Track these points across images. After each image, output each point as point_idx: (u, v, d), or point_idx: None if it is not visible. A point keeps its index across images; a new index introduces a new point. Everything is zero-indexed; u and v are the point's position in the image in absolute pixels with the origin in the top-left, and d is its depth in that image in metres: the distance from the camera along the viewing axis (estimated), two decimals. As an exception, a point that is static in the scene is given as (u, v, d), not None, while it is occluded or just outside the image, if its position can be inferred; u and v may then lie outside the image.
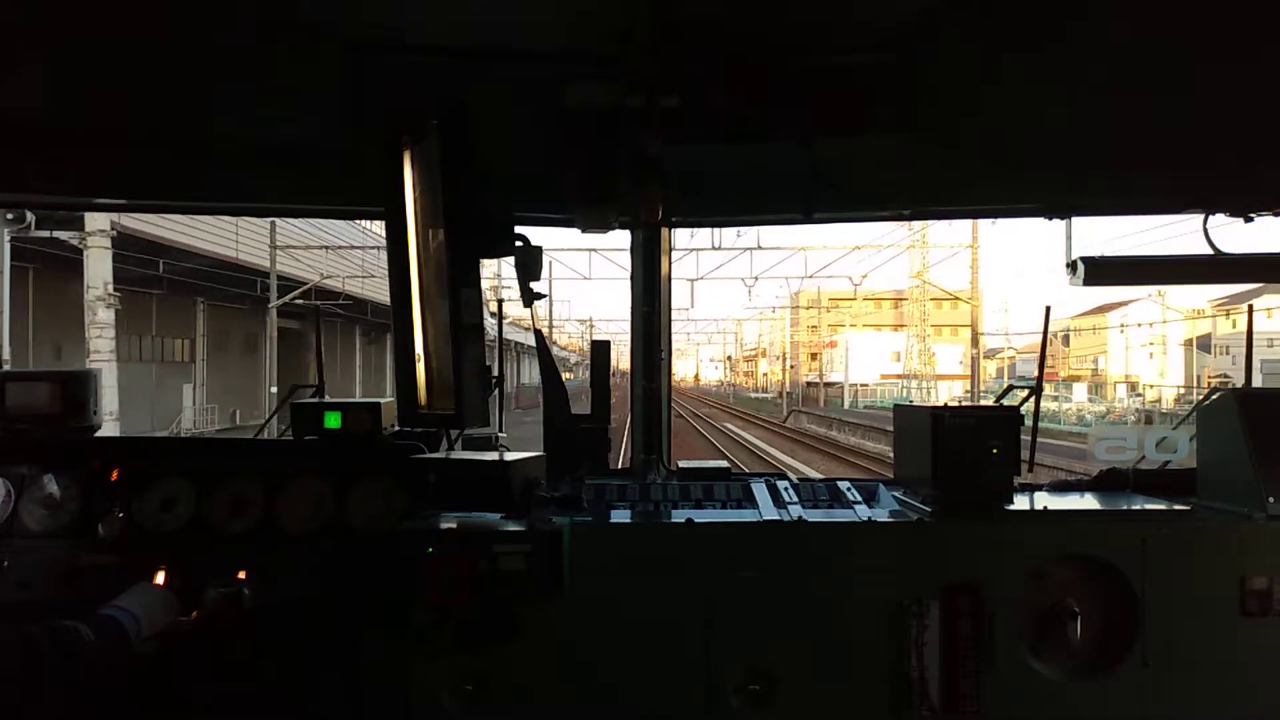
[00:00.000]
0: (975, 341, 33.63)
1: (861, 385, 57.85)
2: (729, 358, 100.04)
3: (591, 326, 53.68)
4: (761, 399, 74.64)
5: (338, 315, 32.50)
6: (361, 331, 39.32)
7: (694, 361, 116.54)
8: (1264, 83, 2.45)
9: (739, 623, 2.48)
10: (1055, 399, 43.70)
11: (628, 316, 3.32)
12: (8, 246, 13.32)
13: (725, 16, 2.20)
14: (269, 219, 23.52)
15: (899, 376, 55.57)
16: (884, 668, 2.48)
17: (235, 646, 2.47)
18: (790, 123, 2.45)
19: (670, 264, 3.37)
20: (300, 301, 27.44)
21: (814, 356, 69.34)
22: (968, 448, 2.55)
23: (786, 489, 2.95)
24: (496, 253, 2.74)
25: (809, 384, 66.74)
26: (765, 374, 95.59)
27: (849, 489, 2.95)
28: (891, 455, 3.22)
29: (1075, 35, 2.24)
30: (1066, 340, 71.10)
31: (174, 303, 29.08)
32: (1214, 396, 2.80)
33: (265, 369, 28.78)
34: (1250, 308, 3.33)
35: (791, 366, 69.17)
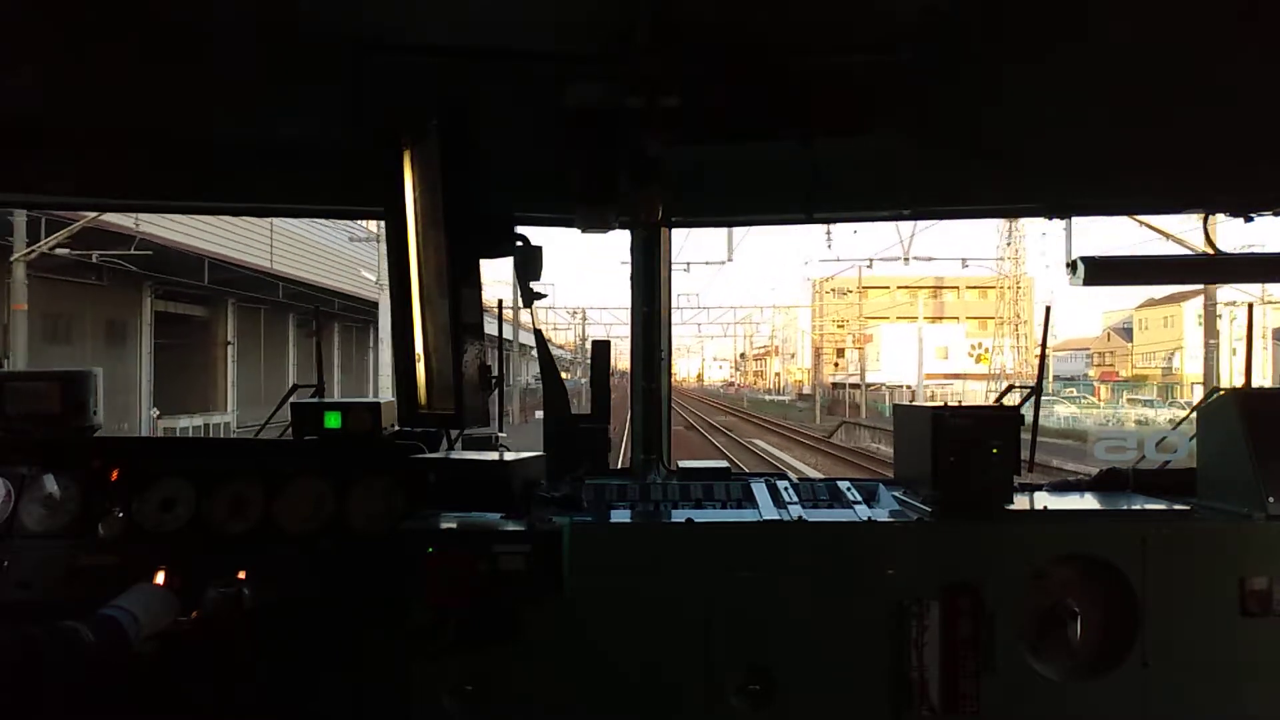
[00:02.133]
0: (1211, 327, 21.85)
1: (904, 386, 47.16)
2: (742, 355, 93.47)
3: (585, 319, 49.59)
4: (779, 402, 66.95)
5: (258, 301, 26.44)
6: (296, 321, 30.84)
7: (699, 359, 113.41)
8: (1263, 83, 2.45)
9: (739, 623, 2.48)
10: (1150, 404, 36.95)
11: (623, 306, 3.31)
12: None
13: (725, 16, 2.20)
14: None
15: (949, 376, 48.63)
16: (884, 668, 2.48)
17: (235, 646, 2.47)
18: (790, 123, 2.45)
19: (670, 264, 3.37)
20: (186, 280, 20.57)
21: (840, 353, 61.13)
22: (968, 448, 2.55)
23: (786, 489, 2.95)
24: (496, 253, 2.74)
25: (836, 385, 57.27)
26: (778, 374, 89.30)
27: (849, 489, 2.95)
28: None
29: (1075, 35, 2.24)
30: (1129, 334, 63.10)
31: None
32: (1214, 396, 2.80)
33: (139, 375, 21.89)
34: (1250, 307, 3.33)
35: (834, 364, 61.59)
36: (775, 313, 71.86)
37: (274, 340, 29.89)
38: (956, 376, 48.21)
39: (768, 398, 75.26)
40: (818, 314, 65.23)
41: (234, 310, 27.06)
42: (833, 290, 60.77)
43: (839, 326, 61.29)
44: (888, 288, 56.23)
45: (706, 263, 33.45)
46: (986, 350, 42.84)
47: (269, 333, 29.47)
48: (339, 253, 26.45)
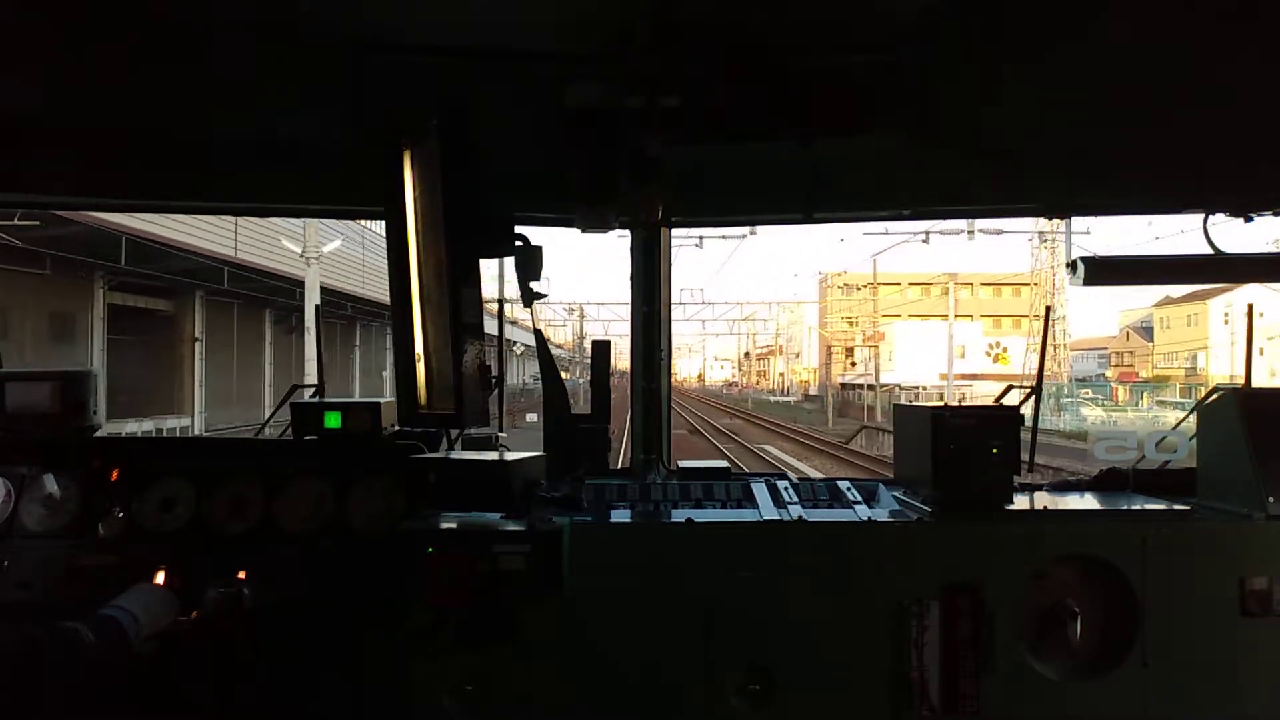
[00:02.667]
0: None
1: (921, 388, 42.46)
2: (746, 354, 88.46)
3: (582, 315, 48.08)
4: (785, 404, 62.95)
5: (232, 295, 23.76)
6: (273, 317, 27.98)
7: (700, 359, 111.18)
8: (1263, 83, 2.45)
9: (739, 623, 2.48)
10: (1181, 406, 32.84)
11: (621, 301, 3.32)
12: None
13: (725, 16, 2.21)
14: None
15: (966, 377, 44.03)
16: (884, 668, 2.48)
17: (235, 646, 2.47)
18: (790, 123, 2.45)
19: (670, 264, 3.37)
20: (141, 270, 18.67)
21: (849, 353, 56.85)
22: (968, 448, 2.55)
23: (786, 489, 2.95)
24: (496, 253, 2.74)
25: (845, 386, 52.95)
26: (782, 374, 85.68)
27: (849, 489, 2.95)
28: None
29: (1075, 35, 2.24)
30: (1150, 333, 59.35)
31: None
32: (1214, 396, 2.80)
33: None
34: (1250, 307, 3.33)
35: (851, 364, 56.24)
36: (780, 310, 67.93)
37: (248, 337, 27.10)
38: (975, 377, 43.91)
39: (772, 399, 72.42)
40: (830, 309, 60.41)
41: (203, 304, 24.15)
42: (844, 285, 56.94)
43: (849, 324, 57.16)
44: (899, 284, 52.46)
45: (724, 236, 30.96)
46: (1005, 350, 39.31)
47: (243, 329, 26.67)
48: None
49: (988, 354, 51.45)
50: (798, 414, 49.83)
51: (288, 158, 2.89)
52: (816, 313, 66.05)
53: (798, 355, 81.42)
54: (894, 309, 52.66)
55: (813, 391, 63.46)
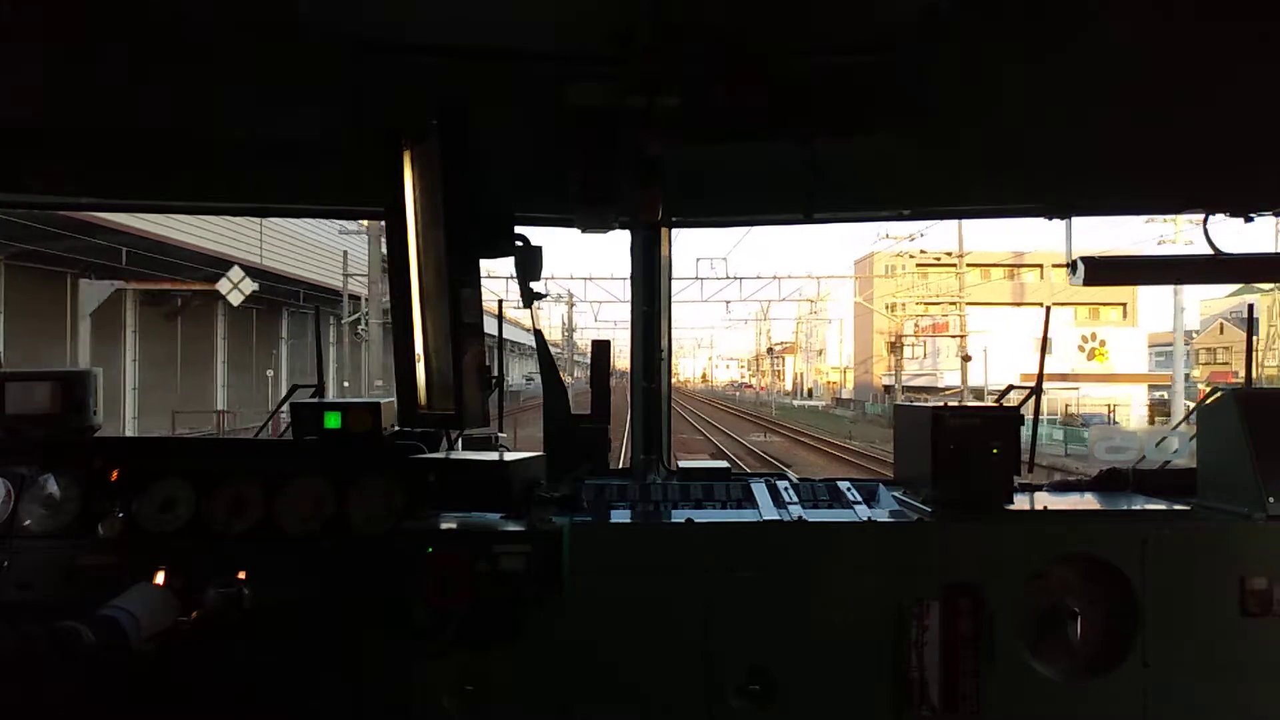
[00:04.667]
0: None
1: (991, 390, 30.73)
2: (769, 350, 77.87)
3: (572, 304, 45.00)
4: (814, 409, 55.37)
5: (67, 262, 17.36)
6: (140, 296, 21.02)
7: (706, 358, 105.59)
8: (1263, 83, 2.45)
9: (739, 623, 2.48)
10: None
11: (615, 277, 3.30)
12: None
13: (725, 16, 2.20)
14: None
15: (1059, 377, 33.77)
16: (884, 668, 2.48)
17: (235, 646, 2.47)
18: (790, 123, 2.45)
19: (671, 264, 3.38)
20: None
21: (893, 349, 45.61)
22: (968, 448, 2.55)
23: (786, 489, 2.95)
24: (496, 253, 2.74)
25: (890, 389, 44.41)
26: (800, 373, 75.92)
27: (849, 489, 2.95)
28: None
29: (1075, 35, 2.24)
30: (1253, 326, 51.67)
31: None
32: (1214, 396, 2.80)
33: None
34: (1250, 308, 3.33)
35: (894, 354, 44.00)
36: (800, 301, 55.67)
37: (100, 324, 19.31)
38: (1069, 377, 34.34)
39: (796, 403, 64.22)
40: (906, 289, 48.07)
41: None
42: (920, 253, 44.69)
43: (890, 310, 47.78)
44: (953, 266, 42.11)
45: (711, 274, 28.81)
46: (1104, 343, 31.00)
47: (85, 314, 18.78)
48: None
49: (1080, 349, 42.09)
50: (840, 424, 40.60)
51: (288, 158, 2.89)
52: (860, 299, 53.31)
53: (820, 352, 73.54)
54: (952, 294, 42.00)
55: (844, 394, 58.30)
